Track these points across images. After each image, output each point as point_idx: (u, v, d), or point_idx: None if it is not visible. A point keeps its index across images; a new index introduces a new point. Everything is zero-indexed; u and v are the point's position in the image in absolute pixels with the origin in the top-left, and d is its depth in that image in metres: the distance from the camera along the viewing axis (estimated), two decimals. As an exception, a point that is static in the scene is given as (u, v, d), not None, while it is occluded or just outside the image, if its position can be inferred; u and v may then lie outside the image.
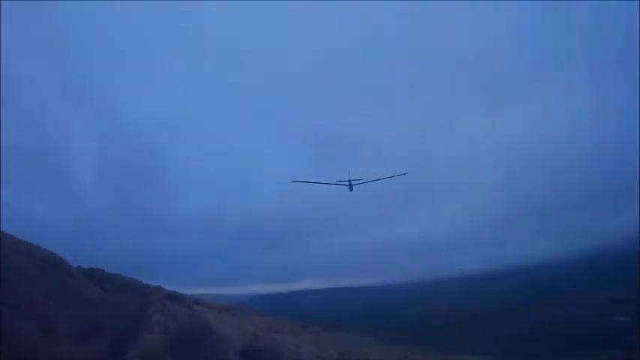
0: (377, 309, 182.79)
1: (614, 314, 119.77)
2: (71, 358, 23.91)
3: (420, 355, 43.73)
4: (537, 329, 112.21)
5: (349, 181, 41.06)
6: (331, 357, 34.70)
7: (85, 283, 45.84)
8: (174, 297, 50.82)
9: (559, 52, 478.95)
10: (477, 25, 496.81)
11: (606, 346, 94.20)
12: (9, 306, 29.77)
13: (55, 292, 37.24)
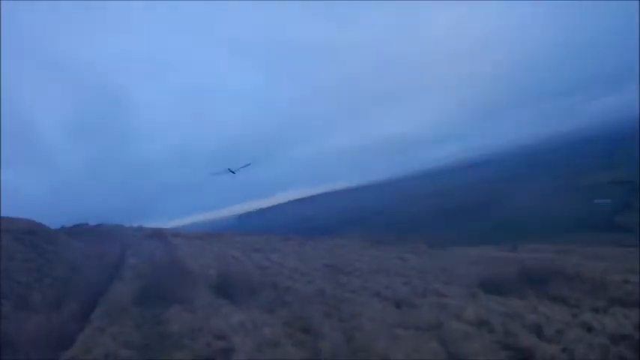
0: (362, 211, 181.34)
1: (595, 197, 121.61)
2: (38, 330, 21.65)
3: (409, 254, 40.75)
4: (525, 216, 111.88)
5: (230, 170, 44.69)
6: (315, 268, 31.70)
7: (66, 243, 43.92)
8: (154, 235, 50.86)
9: None
10: None
11: (593, 228, 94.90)
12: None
13: (32, 263, 34.61)
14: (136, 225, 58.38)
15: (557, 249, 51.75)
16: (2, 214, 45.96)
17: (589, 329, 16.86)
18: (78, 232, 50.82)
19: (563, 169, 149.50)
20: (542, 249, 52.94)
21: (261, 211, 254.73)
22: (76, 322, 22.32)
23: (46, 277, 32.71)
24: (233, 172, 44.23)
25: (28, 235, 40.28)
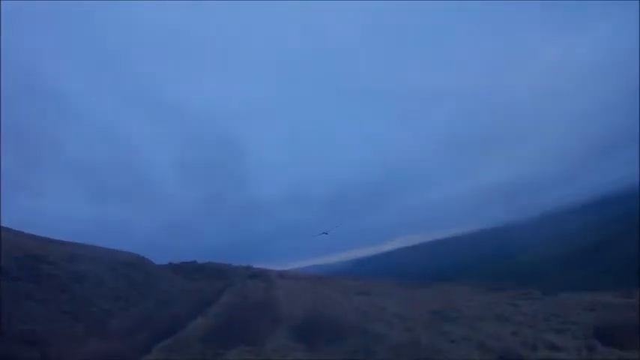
0: (476, 257, 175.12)
1: None
2: (96, 354, 22.60)
3: (522, 300, 37.54)
4: (638, 258, 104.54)
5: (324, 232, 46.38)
6: (419, 315, 28.88)
7: (169, 279, 45.08)
8: (258, 275, 49.10)
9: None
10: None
11: None
12: (63, 311, 28.56)
13: (121, 293, 35.59)
14: (245, 265, 56.47)
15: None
16: (109, 246, 46.93)
17: None
18: (184, 268, 50.96)
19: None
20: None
21: (377, 256, 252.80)
22: (139, 352, 22.13)
23: (133, 307, 33.37)
24: (326, 234, 47.05)
25: (125, 266, 41.12)
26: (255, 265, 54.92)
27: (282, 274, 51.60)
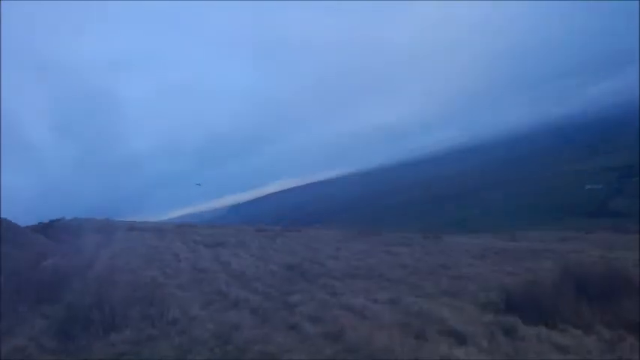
0: (351, 199, 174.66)
1: (587, 183, 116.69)
2: None
3: (400, 246, 31.51)
4: (516, 202, 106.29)
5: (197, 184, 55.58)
6: (269, 272, 22.20)
7: (26, 242, 36.78)
8: (103, 229, 41.56)
9: None
10: None
11: (586, 214, 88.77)
12: None
13: None
14: (106, 218, 50.08)
15: (561, 237, 45.29)
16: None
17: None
18: (49, 228, 44.54)
19: (554, 154, 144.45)
20: (544, 237, 45.97)
21: (254, 201, 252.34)
22: None
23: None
24: (199, 185, 53.40)
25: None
26: (128, 219, 50.06)
27: (132, 227, 45.00)
